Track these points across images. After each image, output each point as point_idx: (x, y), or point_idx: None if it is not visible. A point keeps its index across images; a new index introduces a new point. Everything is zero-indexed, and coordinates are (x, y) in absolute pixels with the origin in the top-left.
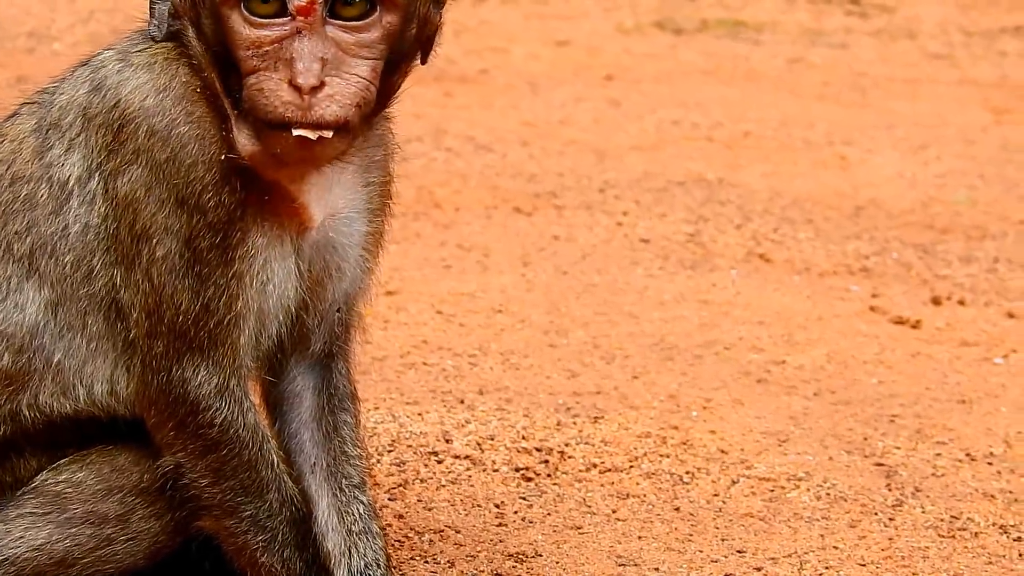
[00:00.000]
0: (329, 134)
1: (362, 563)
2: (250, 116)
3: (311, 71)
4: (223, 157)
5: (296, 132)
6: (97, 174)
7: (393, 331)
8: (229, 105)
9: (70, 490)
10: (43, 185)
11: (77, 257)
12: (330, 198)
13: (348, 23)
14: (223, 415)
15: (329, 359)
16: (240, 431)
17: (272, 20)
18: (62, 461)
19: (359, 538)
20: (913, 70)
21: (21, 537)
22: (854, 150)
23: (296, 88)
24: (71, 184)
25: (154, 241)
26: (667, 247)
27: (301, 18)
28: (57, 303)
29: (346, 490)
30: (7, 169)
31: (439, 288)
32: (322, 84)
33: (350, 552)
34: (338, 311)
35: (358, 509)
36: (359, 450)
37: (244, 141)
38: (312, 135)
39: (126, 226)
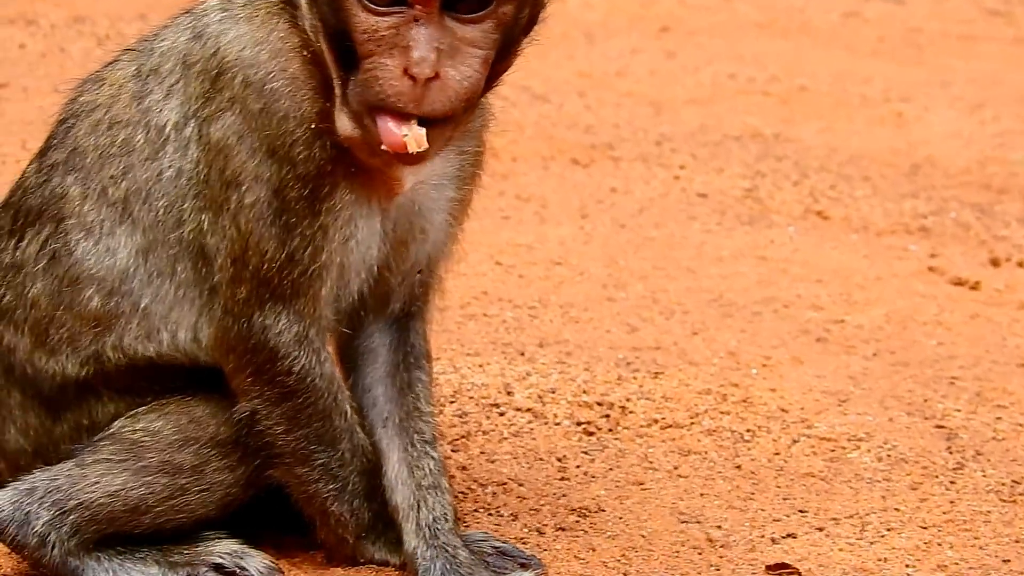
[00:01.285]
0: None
1: (430, 517)
2: (358, 100)
3: (427, 61)
4: (315, 126)
5: (400, 132)
6: (193, 120)
7: (452, 281)
8: (337, 81)
9: (147, 439)
10: (140, 130)
11: (169, 202)
12: (425, 168)
13: (465, 15)
14: (301, 363)
15: (407, 318)
16: (316, 380)
17: (391, 8)
18: (140, 410)
19: (428, 493)
20: (969, 27)
21: (96, 483)
22: (910, 107)
23: (411, 78)
24: (168, 130)
25: (243, 188)
26: (724, 202)
27: (420, 7)
28: (148, 249)
29: (417, 445)
30: (105, 113)
31: (498, 239)
32: (437, 75)
33: (419, 506)
34: (419, 272)
35: (428, 464)
36: (432, 407)
37: (345, 124)
38: (413, 145)
39: (217, 172)
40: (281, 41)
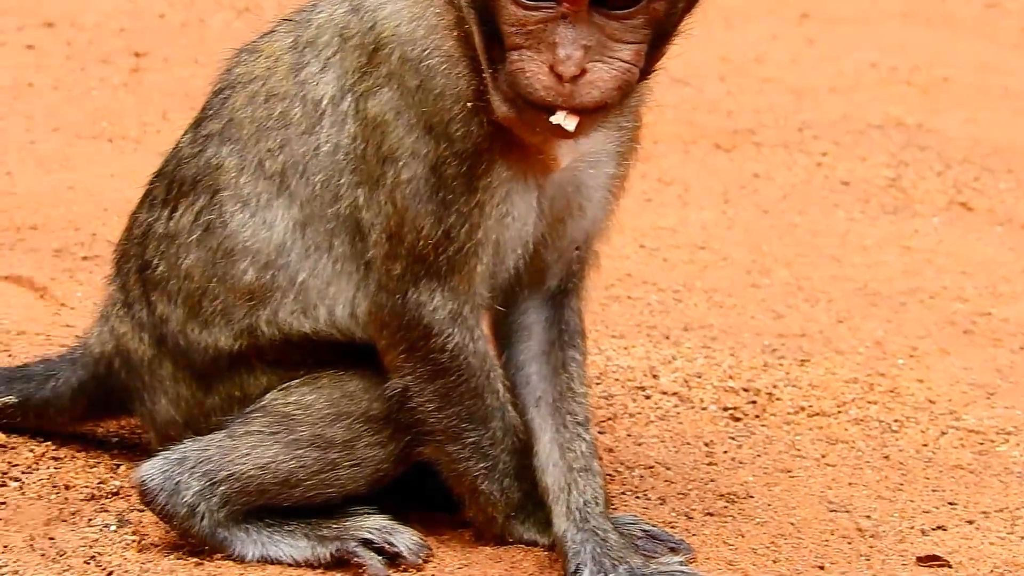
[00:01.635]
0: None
1: (581, 500)
2: (507, 86)
3: (572, 59)
4: (471, 104)
5: (554, 120)
6: (350, 95)
7: None
8: (486, 65)
9: (299, 412)
10: (297, 103)
11: (326, 177)
12: (580, 143)
13: (615, 11)
14: (455, 341)
15: (563, 295)
16: (470, 358)
17: (539, 2)
18: (293, 383)
19: (580, 475)
20: None
21: (247, 454)
22: None
23: (557, 76)
24: (324, 104)
25: (400, 164)
26: (867, 191)
27: (568, 5)
28: (305, 223)
29: (570, 427)
30: (262, 85)
31: (641, 221)
32: (583, 72)
33: (569, 489)
34: (576, 249)
35: (580, 447)
36: (585, 388)
37: (499, 104)
38: (569, 125)
39: (373, 147)
40: (436, 18)
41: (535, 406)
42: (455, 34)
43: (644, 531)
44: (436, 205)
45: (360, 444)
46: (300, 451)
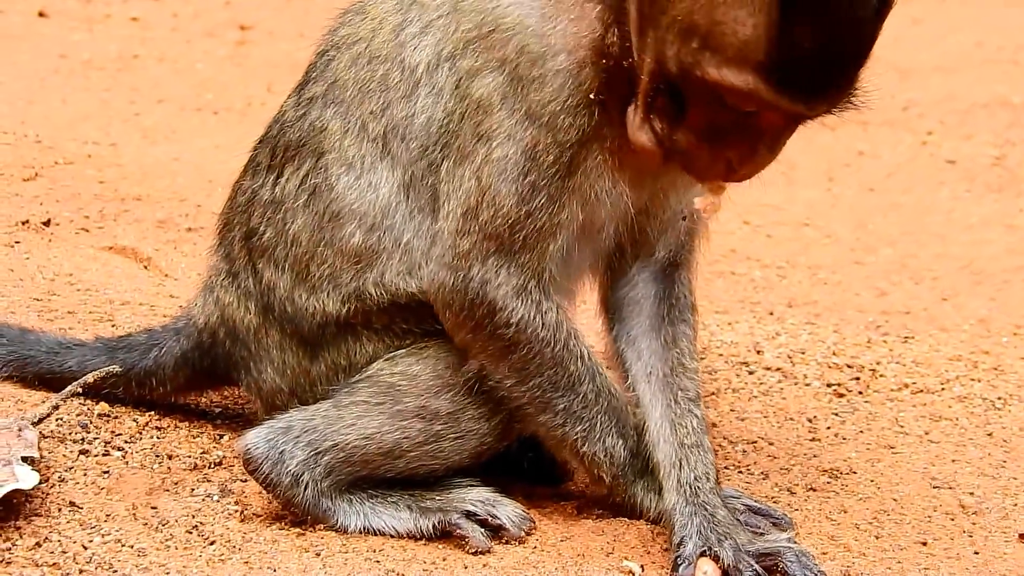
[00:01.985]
0: None
1: (692, 475)
2: (666, 138)
3: (756, 173)
4: (591, 97)
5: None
6: (447, 65)
7: None
8: (642, 105)
9: (404, 383)
10: (396, 68)
11: (422, 145)
12: None
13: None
14: (519, 315)
15: (673, 268)
16: (538, 330)
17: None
18: (399, 352)
19: (690, 451)
20: None
21: (352, 424)
22: None
23: (730, 170)
24: (420, 71)
25: (494, 143)
26: (973, 169)
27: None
28: (408, 185)
29: (681, 402)
30: (366, 47)
31: (745, 198)
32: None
33: (680, 464)
34: (683, 219)
35: (691, 422)
36: (696, 363)
37: (642, 136)
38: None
39: (471, 125)
40: (573, 23)
41: (646, 380)
42: (595, 45)
43: (746, 505)
44: (522, 186)
45: (464, 416)
46: (404, 422)
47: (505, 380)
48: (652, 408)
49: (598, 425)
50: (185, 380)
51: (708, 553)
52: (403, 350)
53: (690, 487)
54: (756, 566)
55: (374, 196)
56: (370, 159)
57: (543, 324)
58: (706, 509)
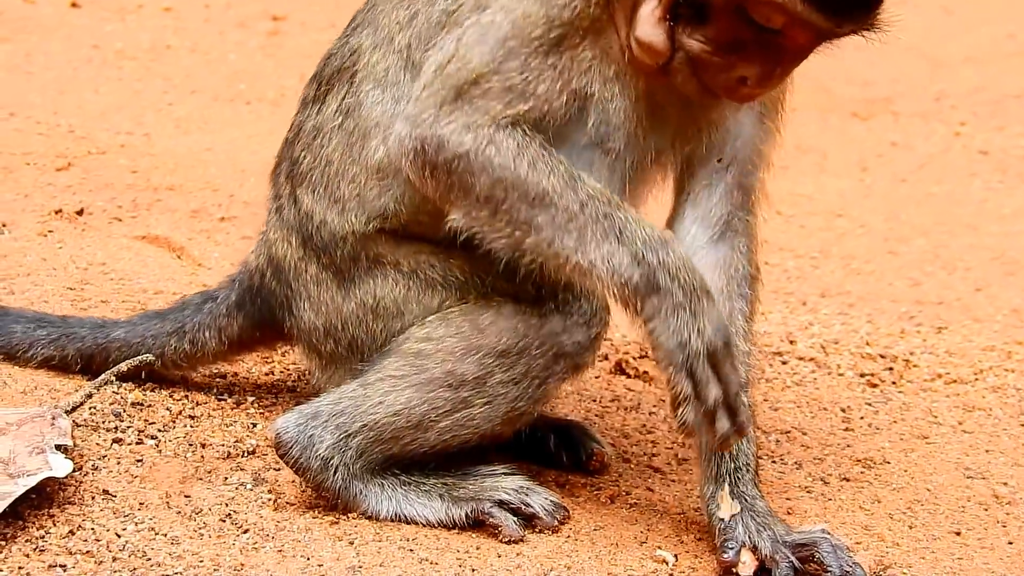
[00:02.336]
0: None
1: (732, 465)
2: (680, 46)
3: (766, 85)
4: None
5: None
6: None
7: None
8: (665, 3)
9: (429, 347)
10: None
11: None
12: None
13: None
14: (466, 147)
15: (731, 234)
16: (492, 156)
17: (768, 28)
18: (425, 321)
19: None
20: None
21: (380, 402)
22: None
23: (741, 82)
24: None
25: (486, 11)
26: (1005, 160)
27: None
28: None
29: None
30: None
31: (778, 188)
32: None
33: (721, 453)
34: (719, 161)
35: None
36: (749, 345)
37: (654, 34)
38: None
39: (472, 3)
40: None
41: None
42: None
43: None
44: (497, 48)
45: (492, 380)
46: (432, 392)
47: (480, 218)
48: None
49: (588, 232)
50: (239, 329)
51: (747, 544)
52: (431, 316)
53: (730, 476)
54: (792, 557)
55: (397, 108)
56: (395, 71)
57: (497, 151)
58: (745, 500)
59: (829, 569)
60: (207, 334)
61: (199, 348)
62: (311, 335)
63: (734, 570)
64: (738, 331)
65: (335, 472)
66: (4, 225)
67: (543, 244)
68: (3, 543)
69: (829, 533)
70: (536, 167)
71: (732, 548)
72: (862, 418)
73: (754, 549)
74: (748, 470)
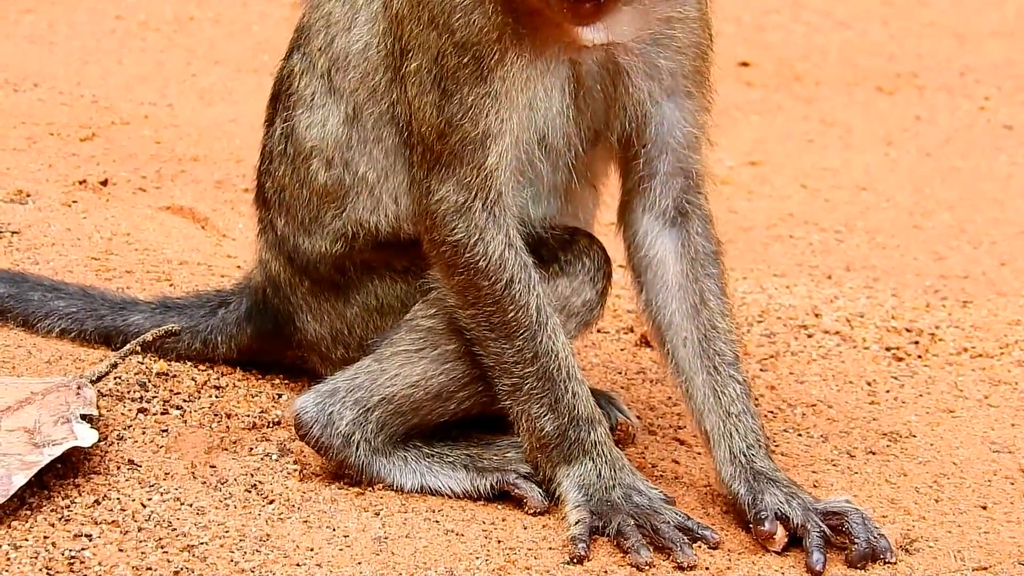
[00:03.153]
0: None
1: (743, 444)
2: None
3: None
4: None
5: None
6: None
7: (758, 202)
8: None
9: (442, 325)
10: (340, 2)
11: (362, 73)
12: (613, 24)
13: None
14: (458, 236)
15: (684, 220)
16: (477, 259)
17: None
18: (432, 296)
19: (739, 420)
20: None
21: (396, 375)
22: None
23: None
24: (359, 2)
25: (410, 55)
26: None
27: None
28: (353, 117)
29: (720, 369)
30: None
31: (802, 162)
32: None
33: (731, 435)
34: (661, 155)
35: (734, 389)
36: (729, 321)
37: None
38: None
39: (395, 41)
40: None
41: (682, 347)
42: None
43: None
44: (437, 95)
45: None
46: (447, 364)
47: (450, 298)
48: (693, 377)
49: (526, 387)
50: (249, 339)
51: (778, 513)
52: (436, 292)
53: (744, 456)
54: (824, 525)
55: (324, 131)
56: (320, 96)
57: (484, 254)
58: (765, 475)
59: (856, 540)
60: (219, 339)
61: (210, 350)
62: (320, 345)
63: (767, 545)
64: (715, 311)
65: (357, 448)
66: (28, 195)
67: (487, 363)
68: (28, 512)
69: (852, 502)
70: (511, 293)
71: (767, 517)
72: (888, 392)
73: (785, 520)
74: (760, 446)
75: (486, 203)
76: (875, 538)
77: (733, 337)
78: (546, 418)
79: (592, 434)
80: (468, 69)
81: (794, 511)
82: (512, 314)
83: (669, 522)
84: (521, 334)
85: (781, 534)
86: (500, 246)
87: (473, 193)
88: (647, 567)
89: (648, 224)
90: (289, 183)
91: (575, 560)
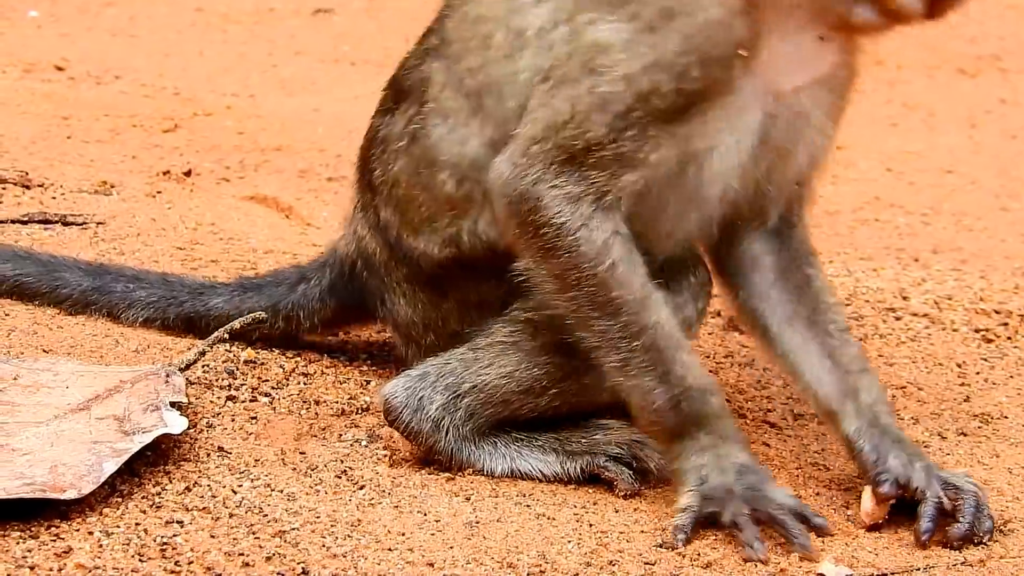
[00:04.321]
0: None
1: (869, 399)
2: None
3: None
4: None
5: None
6: (564, 25)
7: (843, 186)
8: None
9: (539, 318)
10: (500, 29)
11: (519, 103)
12: (802, 65)
13: None
14: (564, 219)
15: (787, 227)
16: (580, 242)
17: None
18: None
19: (861, 376)
20: None
21: (490, 364)
22: None
23: None
24: (528, 35)
25: (604, 79)
26: None
27: None
28: (499, 141)
29: (835, 334)
30: (475, 7)
31: (887, 145)
32: None
33: (856, 391)
34: (797, 184)
35: (852, 350)
36: (836, 299)
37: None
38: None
39: (581, 61)
40: None
41: (789, 326)
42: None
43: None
44: (619, 121)
45: None
46: (542, 358)
47: (545, 284)
48: (805, 349)
49: (634, 360)
50: (332, 313)
51: (900, 477)
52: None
53: (870, 410)
54: (942, 494)
55: (463, 150)
56: (464, 115)
57: (588, 239)
58: (890, 432)
59: (961, 520)
60: (301, 315)
61: (292, 327)
62: (409, 328)
63: (862, 516)
64: (822, 288)
65: (447, 433)
66: (113, 186)
67: (593, 343)
68: (120, 499)
69: (974, 482)
70: (615, 274)
71: (888, 480)
72: (978, 373)
73: (905, 484)
74: (884, 403)
75: (600, 202)
76: (982, 520)
77: (843, 312)
78: (657, 391)
79: (705, 406)
80: (674, 112)
81: (917, 472)
82: (618, 292)
83: (783, 507)
84: (626, 310)
85: (880, 512)
86: (606, 234)
87: (590, 190)
88: (759, 563)
89: (748, 233)
90: (407, 182)
91: (670, 547)
